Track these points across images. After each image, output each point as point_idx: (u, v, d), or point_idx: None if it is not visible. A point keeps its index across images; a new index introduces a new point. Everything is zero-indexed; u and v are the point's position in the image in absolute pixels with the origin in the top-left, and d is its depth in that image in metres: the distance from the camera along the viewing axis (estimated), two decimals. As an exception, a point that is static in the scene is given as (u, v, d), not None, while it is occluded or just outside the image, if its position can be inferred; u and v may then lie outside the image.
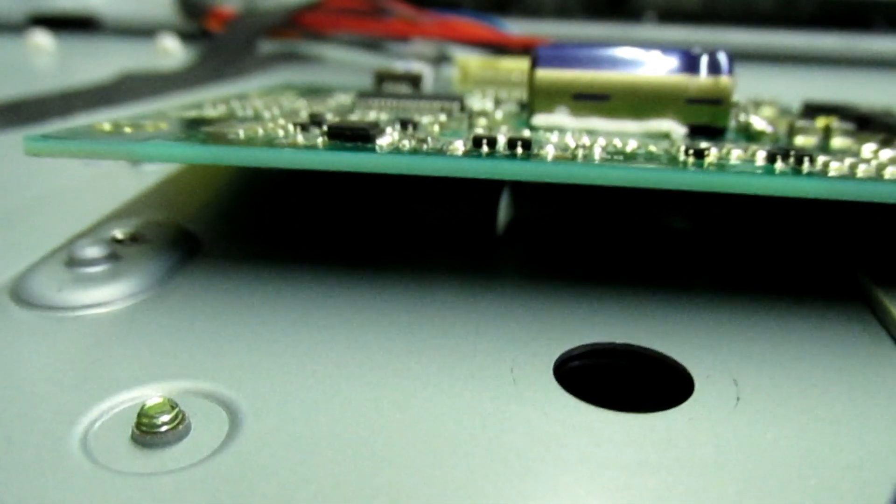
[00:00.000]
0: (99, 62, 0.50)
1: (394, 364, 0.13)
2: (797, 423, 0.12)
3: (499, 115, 0.20)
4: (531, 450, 0.11)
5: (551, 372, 0.13)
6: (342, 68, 0.49)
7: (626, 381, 0.14)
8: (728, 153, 0.15)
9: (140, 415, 0.11)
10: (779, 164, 0.14)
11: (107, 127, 0.16)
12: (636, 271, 0.17)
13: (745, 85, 0.24)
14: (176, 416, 0.11)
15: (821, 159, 0.14)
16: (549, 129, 0.18)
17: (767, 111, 0.24)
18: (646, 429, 0.11)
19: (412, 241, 0.18)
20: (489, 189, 0.21)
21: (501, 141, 0.15)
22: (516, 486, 0.10)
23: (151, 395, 0.12)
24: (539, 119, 0.18)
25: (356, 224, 0.20)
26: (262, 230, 0.19)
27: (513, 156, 0.14)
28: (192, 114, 0.19)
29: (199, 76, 0.41)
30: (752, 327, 0.14)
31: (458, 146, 0.15)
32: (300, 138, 0.15)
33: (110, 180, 0.23)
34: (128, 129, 0.16)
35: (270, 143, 0.15)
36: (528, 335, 0.14)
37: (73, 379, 0.12)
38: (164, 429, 0.11)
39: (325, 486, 0.10)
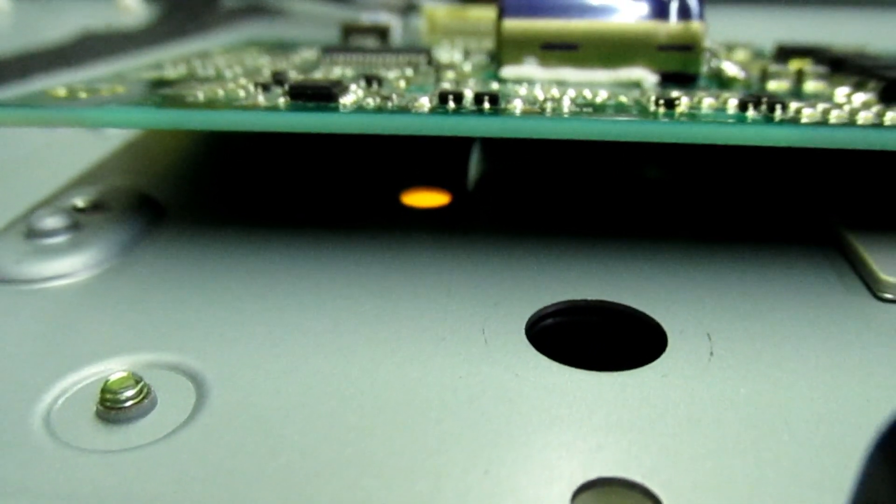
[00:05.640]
0: (59, 20, 0.48)
1: (362, 329, 0.13)
2: (771, 377, 0.11)
3: (467, 67, 0.20)
4: (503, 412, 0.11)
5: (523, 332, 0.12)
6: (309, 21, 0.48)
7: (600, 339, 0.14)
8: (699, 102, 0.15)
9: (103, 390, 0.11)
10: (751, 112, 0.14)
11: (61, 92, 0.16)
12: (608, 225, 0.17)
13: (718, 28, 0.24)
14: (141, 391, 0.11)
15: (793, 105, 0.14)
16: (518, 82, 0.17)
17: (740, 55, 0.23)
18: (618, 387, 0.11)
19: (379, 202, 0.18)
20: (458, 144, 0.20)
21: (468, 96, 0.14)
22: (488, 450, 0.10)
23: (115, 369, 0.11)
24: (507, 71, 0.18)
25: (323, 186, 0.19)
26: (228, 194, 0.19)
27: (480, 111, 0.14)
28: (152, 75, 0.19)
29: (161, 34, 0.40)
30: (725, 279, 0.14)
31: (424, 102, 0.14)
32: (261, 99, 0.15)
33: (70, 145, 0.22)
34: (83, 94, 0.16)
35: (230, 104, 0.14)
36: (499, 294, 0.14)
37: (34, 354, 0.12)
38: (128, 404, 0.11)
39: (295, 457, 0.10)
